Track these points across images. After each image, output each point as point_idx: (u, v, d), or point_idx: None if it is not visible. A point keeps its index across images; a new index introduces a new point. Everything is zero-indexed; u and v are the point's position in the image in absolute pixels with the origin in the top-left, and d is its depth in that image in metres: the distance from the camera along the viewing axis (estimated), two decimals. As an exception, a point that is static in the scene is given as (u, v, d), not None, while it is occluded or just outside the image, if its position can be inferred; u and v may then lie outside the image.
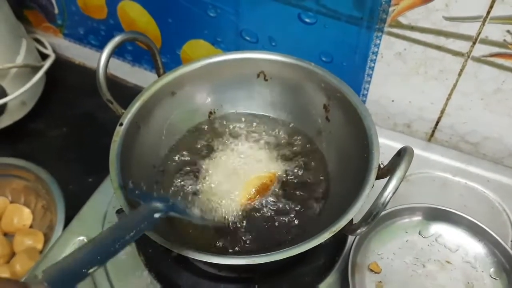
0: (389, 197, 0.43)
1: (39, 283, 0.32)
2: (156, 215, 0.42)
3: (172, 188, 0.59)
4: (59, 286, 0.33)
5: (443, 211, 0.61)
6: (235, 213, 0.56)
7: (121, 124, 0.56)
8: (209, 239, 0.54)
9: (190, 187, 0.59)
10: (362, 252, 0.59)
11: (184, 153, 0.63)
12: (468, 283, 0.57)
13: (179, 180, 0.60)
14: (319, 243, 0.45)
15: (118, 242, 0.38)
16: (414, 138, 0.75)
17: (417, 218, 0.62)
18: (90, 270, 0.35)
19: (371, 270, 0.58)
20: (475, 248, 0.60)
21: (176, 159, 0.62)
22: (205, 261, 0.45)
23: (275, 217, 0.56)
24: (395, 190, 0.43)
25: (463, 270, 0.58)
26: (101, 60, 0.55)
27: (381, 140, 0.53)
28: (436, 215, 0.61)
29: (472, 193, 0.68)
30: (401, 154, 0.45)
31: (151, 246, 0.60)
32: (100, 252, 0.37)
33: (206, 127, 0.66)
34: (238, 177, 0.59)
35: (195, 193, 0.59)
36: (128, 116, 0.57)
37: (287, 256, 0.45)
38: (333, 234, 0.46)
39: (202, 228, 0.54)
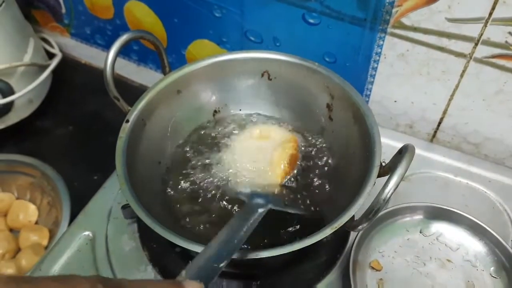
0: (390, 193, 0.43)
1: (189, 280, 0.37)
2: (260, 210, 0.48)
3: (180, 184, 0.60)
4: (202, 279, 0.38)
5: (444, 210, 0.61)
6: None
7: (127, 121, 0.57)
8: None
9: (203, 183, 0.60)
10: (364, 249, 0.60)
11: (188, 149, 0.64)
12: (469, 281, 0.58)
13: (187, 176, 0.61)
14: (320, 238, 0.46)
15: (236, 239, 0.43)
16: (416, 139, 0.75)
17: (418, 217, 0.63)
18: (221, 265, 0.40)
19: (372, 268, 0.59)
20: (476, 247, 0.60)
21: (181, 155, 0.63)
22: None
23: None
24: (396, 186, 0.43)
25: (464, 268, 0.59)
26: (109, 57, 0.56)
27: (383, 140, 0.54)
28: (437, 214, 0.62)
29: (474, 193, 0.68)
30: (403, 152, 0.46)
31: (155, 242, 0.61)
32: (225, 250, 0.42)
33: (210, 125, 0.67)
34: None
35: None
36: (134, 113, 0.58)
37: (289, 251, 0.45)
38: (334, 230, 0.46)
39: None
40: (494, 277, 0.58)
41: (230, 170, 0.61)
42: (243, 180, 0.59)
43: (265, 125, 0.66)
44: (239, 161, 0.61)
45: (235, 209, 0.57)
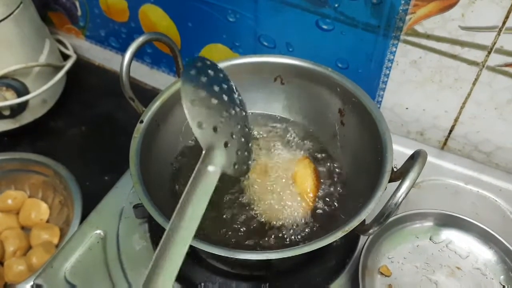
0: (401, 197, 0.44)
1: None
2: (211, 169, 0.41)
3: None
4: None
5: (454, 217, 0.61)
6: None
7: (141, 122, 0.58)
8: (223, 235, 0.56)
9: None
10: (373, 255, 0.60)
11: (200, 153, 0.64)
12: (478, 289, 0.58)
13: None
14: (331, 241, 0.46)
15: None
16: (427, 146, 0.75)
17: (429, 223, 0.63)
18: None
19: (381, 273, 0.59)
20: (486, 255, 0.60)
21: (193, 157, 0.64)
22: (218, 256, 0.46)
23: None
24: (408, 191, 0.44)
25: (473, 276, 0.59)
26: (126, 58, 0.56)
27: (394, 147, 0.54)
28: (447, 221, 0.62)
29: (484, 202, 0.68)
30: (415, 157, 0.46)
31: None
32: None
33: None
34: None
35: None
36: (148, 114, 0.58)
37: (299, 253, 0.45)
38: (345, 233, 0.47)
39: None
40: (503, 285, 0.58)
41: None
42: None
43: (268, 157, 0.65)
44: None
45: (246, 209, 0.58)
